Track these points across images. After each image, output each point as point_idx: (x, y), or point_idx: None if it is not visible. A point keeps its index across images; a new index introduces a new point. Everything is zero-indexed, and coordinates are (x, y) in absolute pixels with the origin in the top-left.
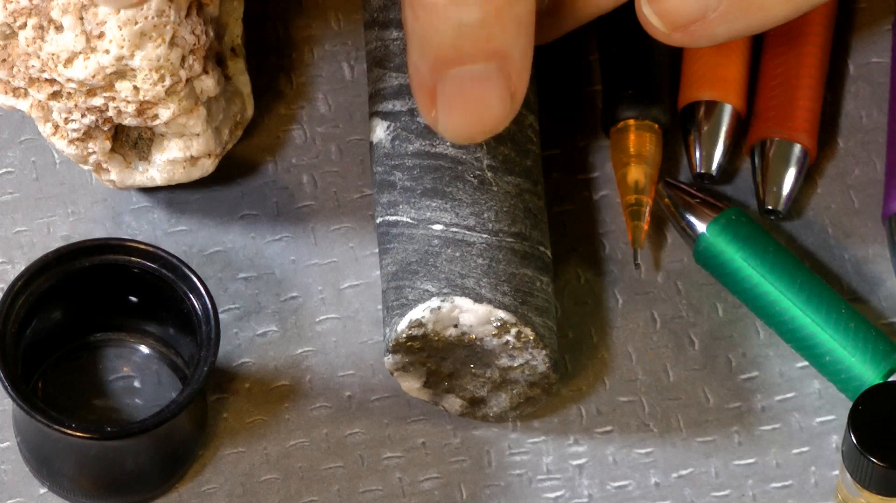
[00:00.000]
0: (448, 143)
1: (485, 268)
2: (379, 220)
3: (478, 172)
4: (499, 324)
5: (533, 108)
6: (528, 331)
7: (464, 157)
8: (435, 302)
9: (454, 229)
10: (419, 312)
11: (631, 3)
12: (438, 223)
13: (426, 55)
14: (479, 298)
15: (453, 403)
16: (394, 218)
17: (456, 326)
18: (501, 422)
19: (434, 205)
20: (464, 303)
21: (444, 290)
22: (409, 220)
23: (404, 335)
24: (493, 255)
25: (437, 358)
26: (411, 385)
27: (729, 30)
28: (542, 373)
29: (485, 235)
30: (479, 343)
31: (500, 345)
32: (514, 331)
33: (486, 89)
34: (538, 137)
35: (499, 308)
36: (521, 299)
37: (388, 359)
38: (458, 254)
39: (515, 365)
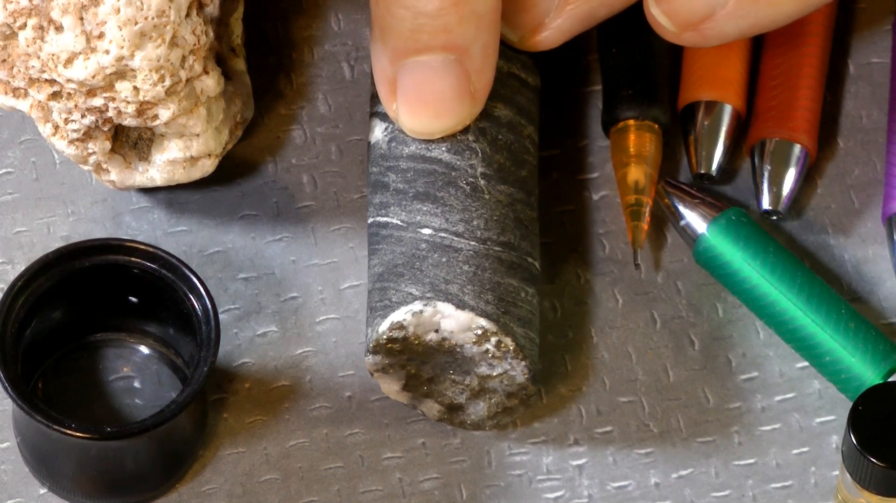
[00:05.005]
0: (444, 148)
1: (470, 275)
2: (370, 220)
3: (471, 179)
4: (479, 332)
5: (533, 120)
6: (508, 340)
7: (458, 163)
8: (417, 305)
9: (443, 234)
10: (401, 315)
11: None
12: (428, 227)
13: (386, 42)
14: (461, 305)
15: (431, 408)
16: (384, 219)
17: (437, 331)
18: (479, 429)
19: (425, 209)
20: (446, 308)
21: (428, 295)
22: (398, 222)
23: (385, 336)
24: (480, 263)
25: (417, 362)
26: (390, 387)
27: (738, 27)
28: (520, 384)
29: (473, 243)
30: (459, 349)
31: (479, 353)
32: (494, 339)
33: (444, 83)
34: (536, 149)
35: (480, 316)
36: (504, 309)
37: (369, 360)
38: (444, 259)
39: (494, 374)
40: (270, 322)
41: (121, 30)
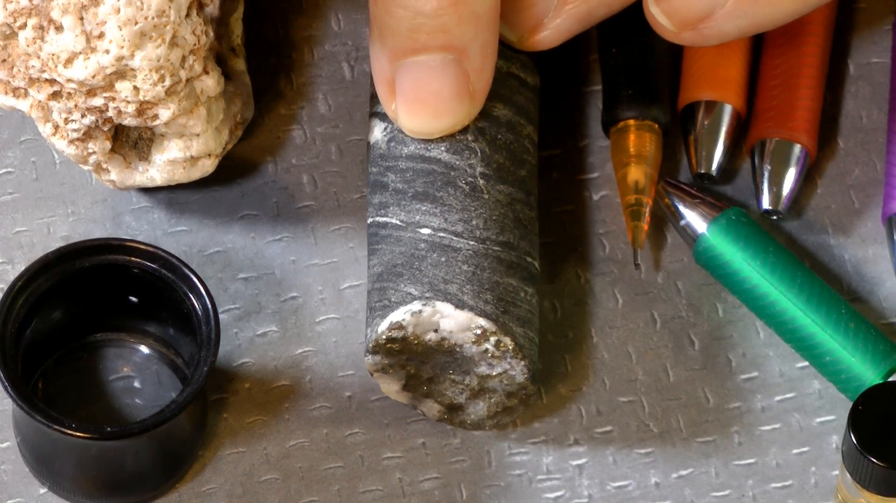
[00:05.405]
0: (443, 148)
1: (469, 275)
2: (370, 220)
3: (470, 179)
4: (479, 331)
5: (533, 120)
6: (507, 340)
7: (457, 163)
8: (416, 305)
9: (442, 234)
10: (400, 314)
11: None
12: (427, 227)
13: (385, 42)
14: (460, 305)
15: (431, 408)
16: (383, 219)
17: (436, 331)
18: (479, 429)
19: (424, 208)
20: (445, 308)
21: (427, 295)
22: (398, 222)
23: (384, 336)
24: (479, 263)
25: (416, 362)
26: (390, 387)
27: (737, 26)
28: (519, 384)
29: (472, 242)
30: (458, 349)
31: (479, 352)
32: (493, 339)
33: (443, 83)
34: (535, 149)
35: (479, 316)
36: (504, 308)
37: (368, 360)
38: (443, 259)
39: (494, 373)
40: (270, 322)
41: (121, 30)
